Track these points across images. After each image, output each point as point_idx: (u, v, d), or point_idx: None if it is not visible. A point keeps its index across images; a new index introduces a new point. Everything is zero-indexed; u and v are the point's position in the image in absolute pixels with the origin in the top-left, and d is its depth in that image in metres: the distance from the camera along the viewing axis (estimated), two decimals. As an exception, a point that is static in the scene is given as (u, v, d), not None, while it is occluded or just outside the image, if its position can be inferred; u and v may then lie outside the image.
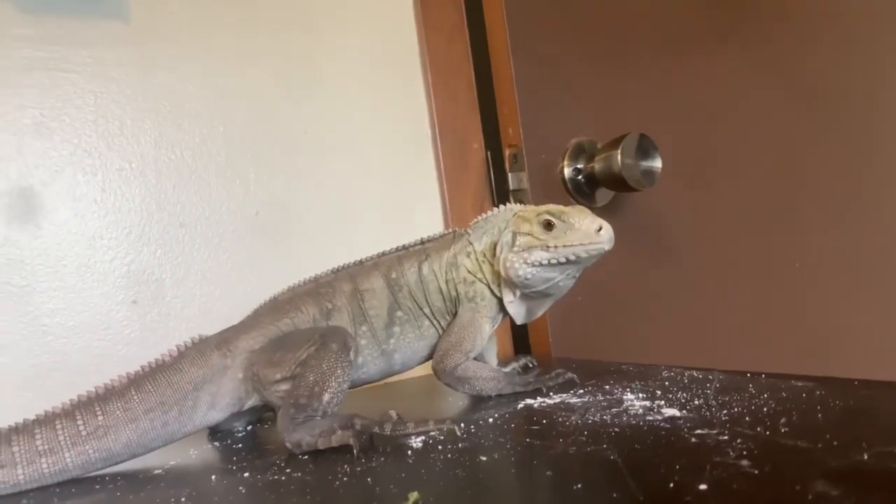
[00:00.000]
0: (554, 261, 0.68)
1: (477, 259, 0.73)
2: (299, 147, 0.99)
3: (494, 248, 0.72)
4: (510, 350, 1.07)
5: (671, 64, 1.17)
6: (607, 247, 0.67)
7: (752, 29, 1.25)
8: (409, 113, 1.09)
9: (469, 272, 0.73)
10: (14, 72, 0.85)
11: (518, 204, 0.75)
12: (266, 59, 0.98)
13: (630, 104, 1.13)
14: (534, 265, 0.68)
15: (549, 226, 0.68)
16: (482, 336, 0.72)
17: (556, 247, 0.67)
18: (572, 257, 0.67)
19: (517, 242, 0.69)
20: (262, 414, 0.74)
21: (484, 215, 0.76)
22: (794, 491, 0.34)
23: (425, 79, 1.09)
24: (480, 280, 0.73)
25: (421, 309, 0.73)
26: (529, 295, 0.72)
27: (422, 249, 0.75)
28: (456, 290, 0.73)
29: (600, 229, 0.67)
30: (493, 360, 0.82)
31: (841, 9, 1.34)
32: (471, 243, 0.74)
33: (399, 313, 0.72)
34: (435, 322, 0.74)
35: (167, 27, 0.93)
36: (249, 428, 0.73)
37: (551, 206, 0.70)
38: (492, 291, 0.73)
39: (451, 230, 0.78)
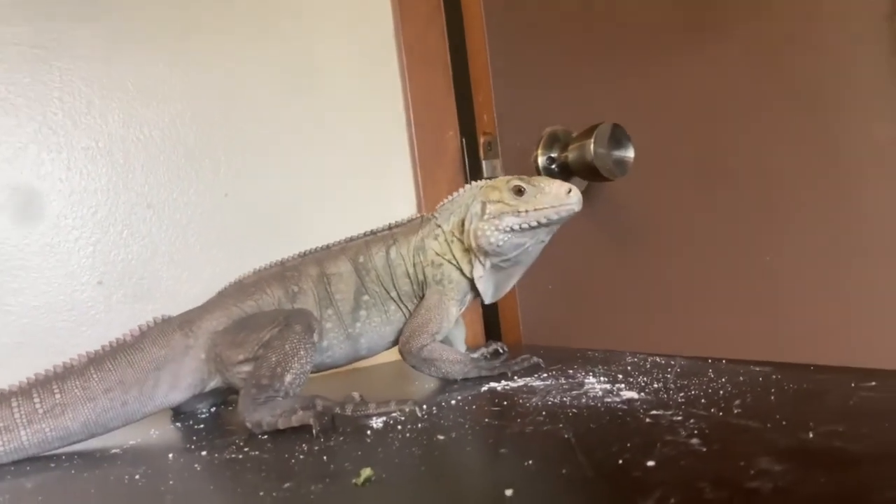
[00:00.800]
0: (525, 225, 0.69)
1: (446, 240, 0.73)
2: (270, 129, 0.98)
3: (462, 225, 0.73)
4: (482, 337, 1.07)
5: (647, 55, 1.17)
6: (577, 208, 0.69)
7: (730, 23, 1.26)
8: (385, 99, 1.08)
9: (437, 254, 0.73)
10: (-22, 46, 0.83)
11: (482, 180, 0.75)
12: (238, 41, 0.97)
13: (605, 95, 1.13)
14: (505, 231, 0.69)
15: (519, 192, 0.69)
16: (448, 318, 0.72)
17: (527, 210, 0.68)
18: (543, 220, 0.69)
19: (487, 210, 0.70)
20: (227, 396, 0.74)
21: (449, 197, 0.76)
22: (739, 467, 0.34)
23: (401, 66, 1.09)
24: (449, 261, 0.73)
25: (388, 293, 0.73)
26: (499, 265, 0.73)
27: (389, 234, 0.75)
28: (424, 274, 0.73)
29: (570, 191, 0.69)
30: (460, 346, 0.82)
31: (820, 5, 1.36)
32: (438, 225, 0.74)
33: (366, 297, 0.72)
34: (402, 306, 0.74)
35: (138, 4, 0.91)
36: (213, 410, 0.72)
37: (520, 176, 0.71)
38: (460, 272, 0.73)
39: (419, 215, 0.78)
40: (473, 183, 0.75)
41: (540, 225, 0.69)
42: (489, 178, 1.02)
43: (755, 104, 1.26)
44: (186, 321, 0.65)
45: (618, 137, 1.01)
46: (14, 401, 0.57)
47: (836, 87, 1.34)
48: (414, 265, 0.73)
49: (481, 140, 1.08)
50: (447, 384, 0.70)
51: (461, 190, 0.76)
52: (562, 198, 0.68)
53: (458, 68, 1.11)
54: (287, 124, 1.00)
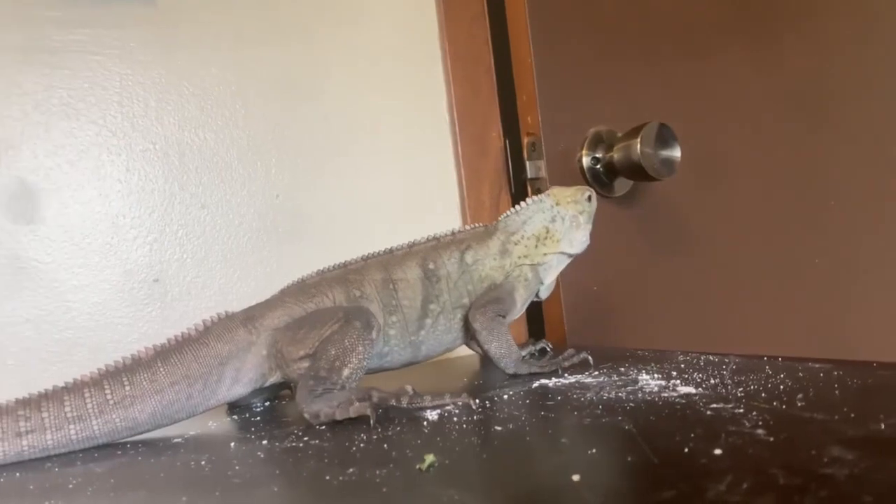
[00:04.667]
0: (591, 224, 0.81)
1: (526, 245, 0.77)
2: (320, 132, 1.00)
3: (547, 232, 0.78)
4: (524, 336, 1.07)
5: (693, 54, 1.17)
6: None
7: (778, 20, 1.25)
8: (429, 101, 1.09)
9: (519, 256, 0.77)
10: (44, 53, 0.87)
11: (545, 193, 0.80)
12: (289, 44, 1.00)
13: (650, 95, 1.12)
14: (588, 232, 0.81)
15: (589, 199, 0.81)
16: (515, 310, 0.75)
17: (590, 213, 0.81)
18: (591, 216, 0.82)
19: (579, 220, 0.79)
20: (280, 391, 0.75)
21: (514, 209, 0.79)
22: (810, 455, 0.34)
23: (445, 67, 1.10)
24: (528, 264, 0.77)
25: (460, 299, 0.74)
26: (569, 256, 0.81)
27: (456, 240, 0.77)
28: (505, 275, 0.76)
29: None
30: None
31: (865, 9, 1.33)
32: (514, 232, 0.77)
33: (432, 306, 0.73)
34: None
35: (192, 10, 0.94)
36: (267, 404, 0.74)
37: (581, 187, 0.81)
38: (535, 273, 0.78)
39: (477, 224, 0.80)
40: (539, 197, 0.79)
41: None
42: (535, 180, 1.03)
43: (805, 102, 1.24)
44: (249, 318, 0.67)
45: (664, 137, 1.00)
46: (86, 391, 0.59)
47: (890, 86, 1.31)
48: (498, 268, 0.76)
49: (525, 141, 1.08)
50: (496, 379, 0.70)
51: (528, 201, 0.79)
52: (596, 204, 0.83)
53: (501, 69, 1.11)
54: (333, 126, 1.02)
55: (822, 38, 1.28)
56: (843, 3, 1.31)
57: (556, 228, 0.78)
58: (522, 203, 0.79)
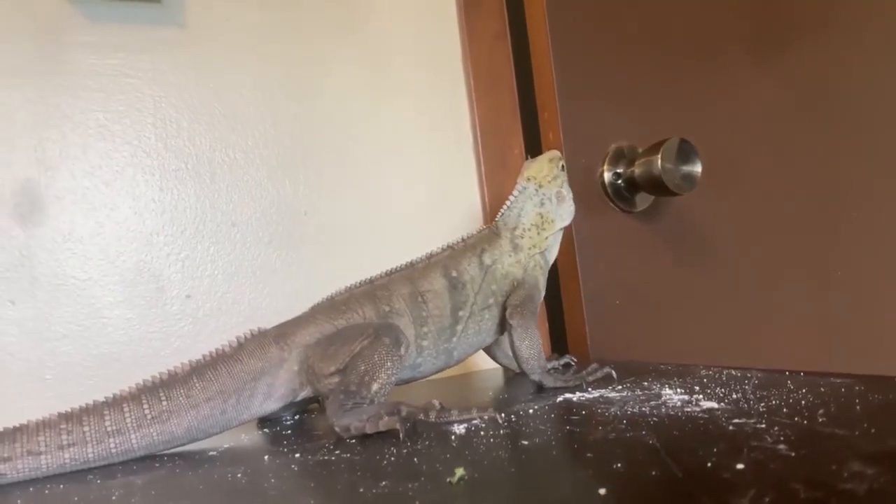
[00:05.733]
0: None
1: (531, 235, 0.80)
2: (346, 150, 1.03)
3: (542, 217, 0.81)
4: (548, 351, 1.08)
5: (713, 70, 1.18)
6: None
7: (797, 35, 1.25)
8: (452, 118, 1.11)
9: (530, 248, 0.80)
10: (81, 77, 0.90)
11: (524, 176, 0.83)
12: (314, 64, 1.02)
13: (670, 110, 1.13)
14: (570, 197, 0.84)
15: (563, 168, 0.84)
16: (540, 298, 0.80)
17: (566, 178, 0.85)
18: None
19: (563, 194, 0.83)
20: (308, 405, 0.77)
21: (507, 204, 0.82)
22: (830, 470, 0.35)
23: (468, 85, 1.12)
24: (538, 252, 0.80)
25: (486, 300, 0.76)
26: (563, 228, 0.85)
27: (469, 245, 0.79)
28: (523, 269, 0.79)
29: None
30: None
31: (879, 18, 1.33)
32: (515, 227, 0.80)
33: (461, 312, 0.75)
34: (497, 311, 0.77)
35: (221, 32, 0.97)
36: (297, 417, 0.76)
37: (550, 154, 0.85)
38: (543, 257, 0.81)
39: (482, 227, 0.83)
40: (521, 185, 0.82)
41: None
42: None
43: (825, 117, 1.24)
44: (281, 334, 0.68)
45: (685, 152, 1.01)
46: (126, 406, 0.61)
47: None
48: (514, 263, 0.79)
49: (547, 157, 1.10)
50: (520, 393, 0.72)
51: (514, 194, 0.82)
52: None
53: (523, 86, 1.13)
54: (360, 145, 1.04)
55: (838, 49, 1.29)
56: (857, 14, 1.31)
57: (548, 210, 0.82)
58: (510, 196, 0.82)
